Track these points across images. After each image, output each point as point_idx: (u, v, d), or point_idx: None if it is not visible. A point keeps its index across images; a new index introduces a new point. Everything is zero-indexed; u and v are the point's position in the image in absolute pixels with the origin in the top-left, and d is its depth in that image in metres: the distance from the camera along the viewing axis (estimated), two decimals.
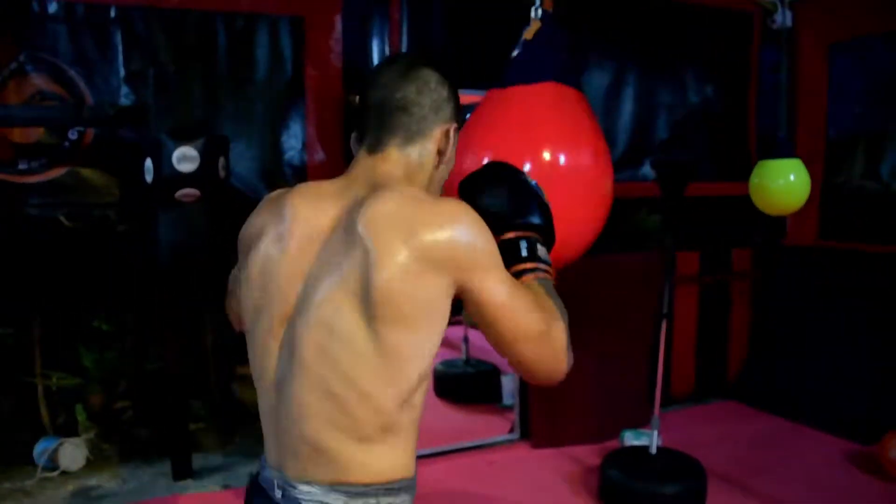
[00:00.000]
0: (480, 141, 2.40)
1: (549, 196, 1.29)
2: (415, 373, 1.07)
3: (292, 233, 1.14)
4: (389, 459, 1.11)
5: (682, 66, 4.24)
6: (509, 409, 3.81)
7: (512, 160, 1.37)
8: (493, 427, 3.76)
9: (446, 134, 1.21)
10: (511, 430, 3.69)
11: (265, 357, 1.15)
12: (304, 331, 1.08)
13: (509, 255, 1.17)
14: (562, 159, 2.35)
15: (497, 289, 1.07)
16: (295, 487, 1.11)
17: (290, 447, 1.12)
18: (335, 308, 1.05)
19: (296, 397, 1.09)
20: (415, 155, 1.19)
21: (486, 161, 1.24)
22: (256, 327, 1.17)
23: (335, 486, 1.09)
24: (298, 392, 1.09)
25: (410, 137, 1.18)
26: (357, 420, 1.06)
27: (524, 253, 1.20)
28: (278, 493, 1.13)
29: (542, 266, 1.20)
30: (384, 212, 1.05)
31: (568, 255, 2.35)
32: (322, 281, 1.08)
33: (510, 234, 1.21)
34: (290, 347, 1.11)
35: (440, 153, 1.21)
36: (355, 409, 1.06)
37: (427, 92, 1.18)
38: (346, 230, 1.07)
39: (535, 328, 1.09)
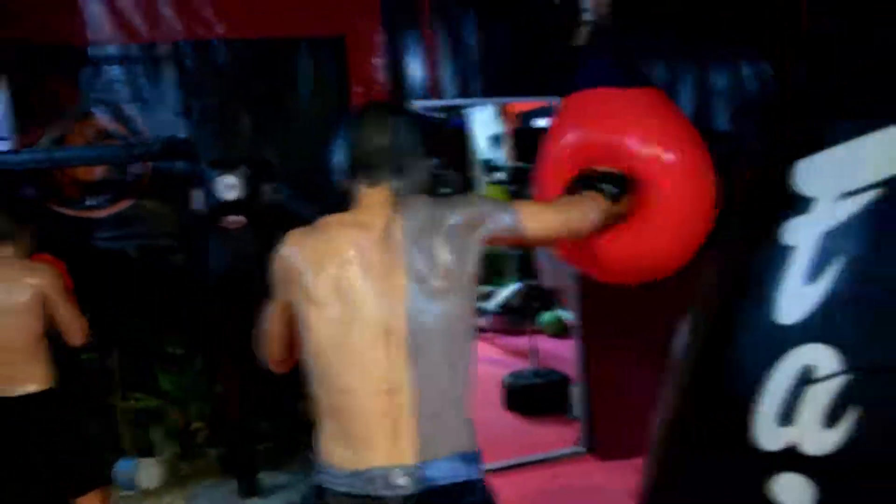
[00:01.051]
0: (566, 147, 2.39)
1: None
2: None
3: (353, 257, 1.37)
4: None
5: (735, 51, 3.96)
6: (579, 419, 3.67)
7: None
8: (560, 439, 3.64)
9: (422, 162, 1.49)
10: (577, 442, 3.56)
11: (372, 364, 1.34)
12: (419, 331, 1.35)
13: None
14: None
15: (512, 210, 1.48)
16: (423, 468, 1.32)
17: (411, 436, 1.33)
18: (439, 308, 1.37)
19: (421, 389, 1.33)
20: (406, 183, 1.45)
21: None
22: (347, 340, 1.35)
23: (455, 455, 1.35)
24: (423, 383, 1.34)
25: (398, 172, 1.44)
26: (456, 395, 1.37)
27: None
28: (402, 481, 1.31)
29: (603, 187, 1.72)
30: (418, 220, 1.40)
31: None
32: (415, 293, 1.35)
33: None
34: (412, 348, 1.34)
35: (423, 176, 1.49)
36: (455, 387, 1.38)
37: (402, 136, 1.44)
38: (399, 246, 1.38)
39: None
